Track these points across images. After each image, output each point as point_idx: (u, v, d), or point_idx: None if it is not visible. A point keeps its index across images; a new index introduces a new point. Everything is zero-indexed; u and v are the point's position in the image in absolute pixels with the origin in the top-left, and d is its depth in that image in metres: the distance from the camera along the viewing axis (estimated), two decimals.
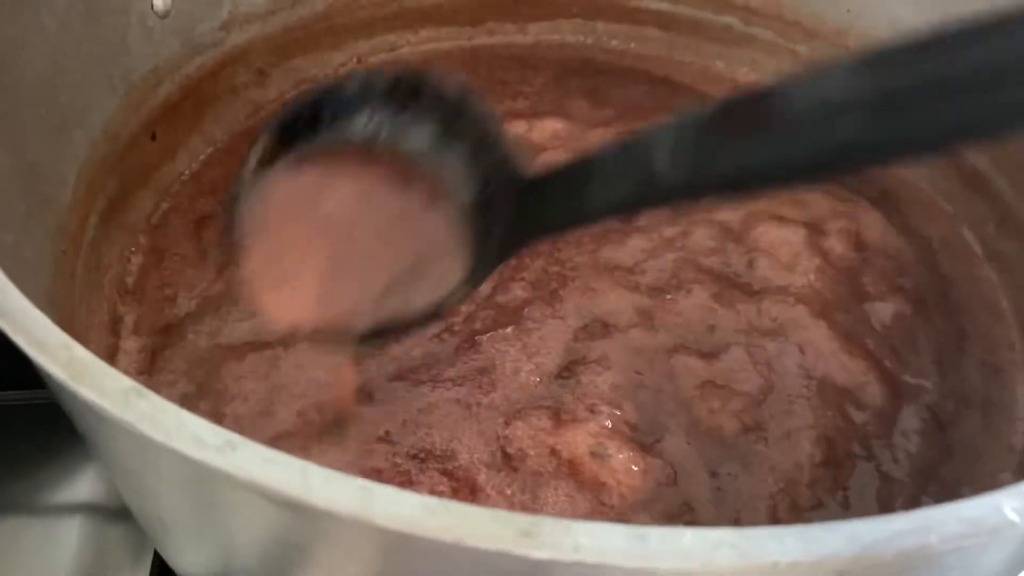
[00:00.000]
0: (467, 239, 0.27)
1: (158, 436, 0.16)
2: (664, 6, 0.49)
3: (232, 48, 0.43)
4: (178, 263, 0.38)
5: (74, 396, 0.17)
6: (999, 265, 0.40)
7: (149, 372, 0.34)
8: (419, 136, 0.28)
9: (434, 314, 0.27)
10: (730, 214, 0.40)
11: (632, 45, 0.51)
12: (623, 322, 0.35)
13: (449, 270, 0.27)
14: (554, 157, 0.43)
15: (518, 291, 0.36)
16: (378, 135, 0.28)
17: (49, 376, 0.18)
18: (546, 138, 0.44)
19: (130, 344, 0.35)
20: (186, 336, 0.34)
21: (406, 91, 0.28)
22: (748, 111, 0.20)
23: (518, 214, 0.26)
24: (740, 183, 0.21)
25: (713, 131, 0.20)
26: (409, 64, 0.49)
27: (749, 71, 0.49)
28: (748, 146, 0.19)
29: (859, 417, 0.33)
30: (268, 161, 0.27)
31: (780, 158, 0.19)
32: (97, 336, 0.34)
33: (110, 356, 0.35)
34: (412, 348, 0.34)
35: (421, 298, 0.27)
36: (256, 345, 0.34)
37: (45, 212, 0.31)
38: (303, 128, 0.28)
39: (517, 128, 0.45)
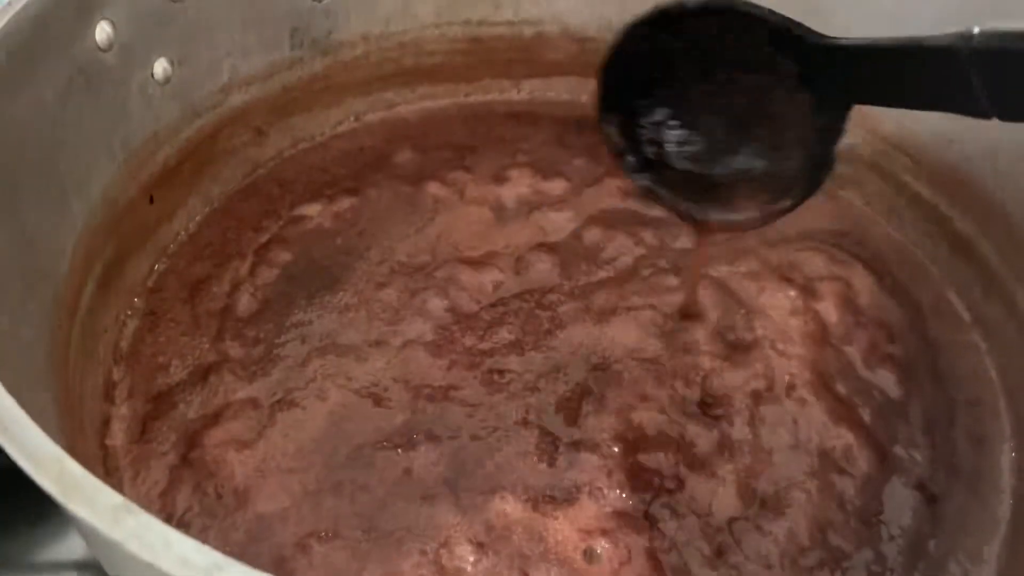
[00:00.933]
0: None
1: (145, 555, 0.16)
2: None
3: (231, 110, 0.43)
4: (172, 329, 0.38)
5: (64, 509, 0.18)
6: (985, 331, 0.41)
7: (139, 440, 0.34)
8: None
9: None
10: (727, 272, 0.41)
11: None
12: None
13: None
14: (557, 216, 0.44)
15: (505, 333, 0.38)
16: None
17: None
18: (552, 197, 0.45)
19: (123, 411, 0.36)
20: (177, 406, 0.35)
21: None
22: None
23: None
24: None
25: None
26: (408, 122, 0.49)
27: None
28: None
29: (852, 493, 0.34)
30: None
31: None
32: (91, 403, 0.35)
33: (103, 422, 0.35)
34: (396, 414, 0.34)
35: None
36: (243, 415, 0.34)
37: (42, 286, 0.32)
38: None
39: (520, 187, 0.45)
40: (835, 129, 0.31)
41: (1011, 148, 0.39)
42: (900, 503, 0.34)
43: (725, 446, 0.34)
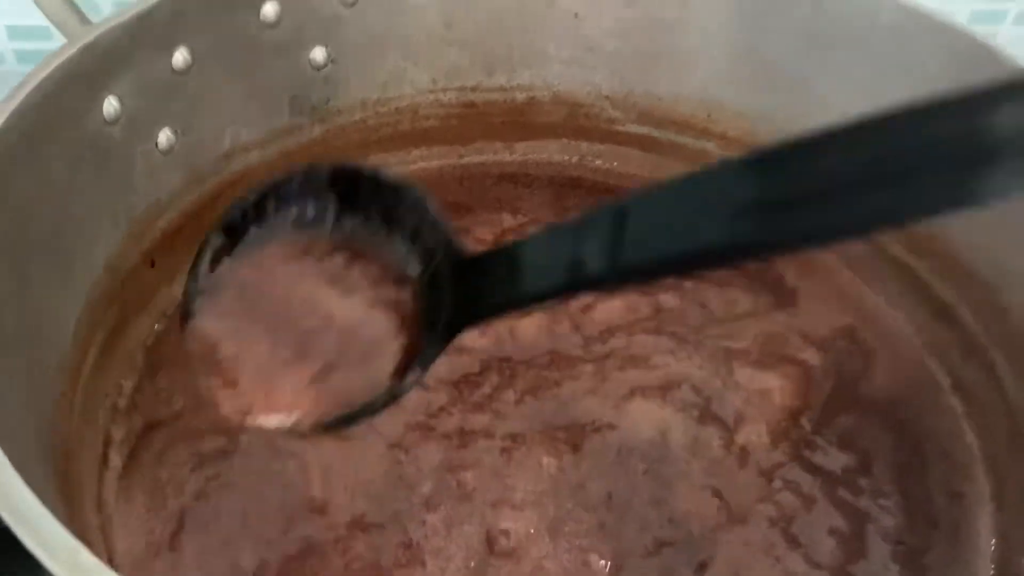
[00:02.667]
0: (414, 321, 0.28)
1: None
2: (646, 131, 0.52)
3: (231, 175, 0.44)
4: (175, 372, 0.39)
5: None
6: (964, 395, 0.42)
7: (134, 502, 0.35)
8: (361, 222, 0.30)
9: (388, 399, 0.28)
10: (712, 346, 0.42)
11: (615, 164, 0.53)
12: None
13: (395, 355, 0.28)
14: None
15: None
16: (322, 222, 0.30)
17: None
18: None
19: (118, 466, 0.36)
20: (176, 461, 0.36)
21: (346, 181, 0.30)
22: (655, 206, 0.22)
23: (459, 294, 0.27)
24: (652, 272, 0.23)
25: (630, 223, 0.22)
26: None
27: None
28: (657, 238, 0.22)
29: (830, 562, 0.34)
30: (218, 259, 0.30)
31: (684, 250, 0.21)
32: (89, 467, 0.35)
33: (100, 483, 0.36)
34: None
35: (370, 383, 0.28)
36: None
37: (47, 356, 0.33)
38: (250, 223, 0.30)
39: None
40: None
41: (986, 216, 0.41)
42: (886, 559, 0.35)
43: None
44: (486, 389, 0.39)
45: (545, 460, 0.37)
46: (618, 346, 0.42)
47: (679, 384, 0.40)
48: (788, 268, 0.47)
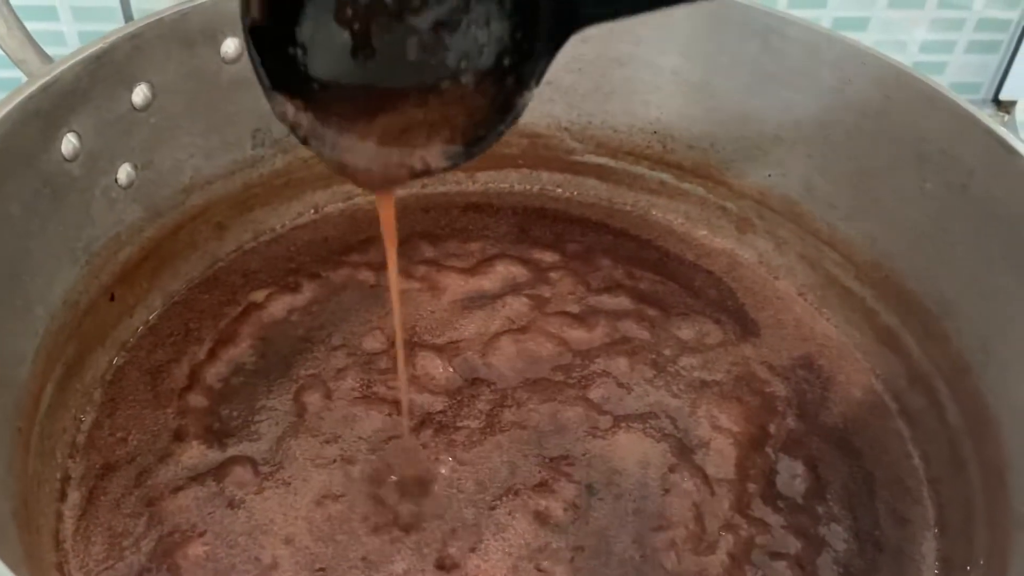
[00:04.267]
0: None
1: None
2: (603, 160, 0.53)
3: (192, 208, 0.45)
4: (133, 408, 0.40)
5: None
6: (909, 419, 0.43)
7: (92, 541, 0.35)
8: None
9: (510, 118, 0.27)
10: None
11: (575, 193, 0.55)
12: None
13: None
14: (514, 302, 0.46)
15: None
16: None
17: None
18: (505, 283, 0.48)
19: (76, 502, 0.36)
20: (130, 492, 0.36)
21: None
22: None
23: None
24: None
25: None
26: (368, 213, 0.51)
27: (684, 221, 0.53)
28: None
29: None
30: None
31: None
32: (47, 505, 0.35)
33: (58, 520, 0.36)
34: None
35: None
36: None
37: (4, 393, 0.33)
38: None
39: (489, 276, 0.48)
40: (533, 66, 0.27)
41: (929, 247, 0.42)
42: None
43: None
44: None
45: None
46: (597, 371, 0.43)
47: (657, 415, 0.41)
48: (747, 299, 0.48)
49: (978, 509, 0.38)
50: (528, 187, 0.55)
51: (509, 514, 0.37)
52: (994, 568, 0.35)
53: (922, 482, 0.41)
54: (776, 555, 0.37)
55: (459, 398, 0.41)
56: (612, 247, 0.51)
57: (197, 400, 0.40)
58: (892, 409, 0.44)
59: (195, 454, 0.38)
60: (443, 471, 0.38)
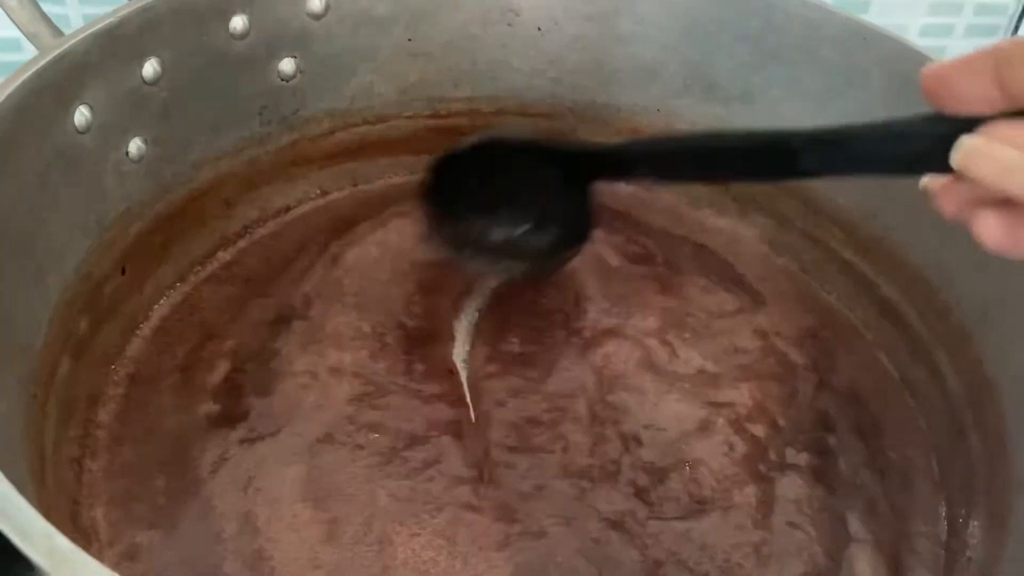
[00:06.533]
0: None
1: None
2: (609, 140, 0.53)
3: (201, 183, 0.45)
4: (149, 391, 0.40)
5: None
6: (912, 391, 0.44)
7: (113, 504, 0.36)
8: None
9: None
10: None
11: None
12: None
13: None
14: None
15: None
16: None
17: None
18: None
19: (98, 475, 0.37)
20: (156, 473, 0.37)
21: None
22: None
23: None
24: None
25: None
26: (368, 195, 0.52)
27: (688, 201, 0.53)
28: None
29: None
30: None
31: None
32: (65, 471, 0.36)
33: (77, 485, 0.36)
34: None
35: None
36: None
37: (18, 360, 0.33)
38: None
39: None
40: (585, 200, 0.41)
41: (927, 220, 0.43)
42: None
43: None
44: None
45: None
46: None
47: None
48: (747, 271, 0.49)
49: (979, 475, 0.38)
50: None
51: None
52: (994, 531, 0.36)
53: (929, 451, 0.42)
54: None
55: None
56: (614, 228, 0.52)
57: (215, 371, 0.41)
58: (895, 379, 0.44)
59: (213, 410, 0.39)
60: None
